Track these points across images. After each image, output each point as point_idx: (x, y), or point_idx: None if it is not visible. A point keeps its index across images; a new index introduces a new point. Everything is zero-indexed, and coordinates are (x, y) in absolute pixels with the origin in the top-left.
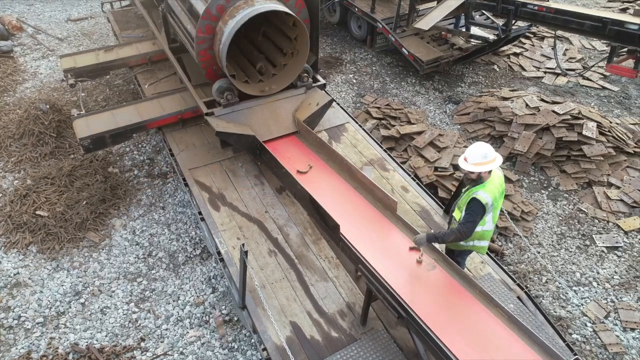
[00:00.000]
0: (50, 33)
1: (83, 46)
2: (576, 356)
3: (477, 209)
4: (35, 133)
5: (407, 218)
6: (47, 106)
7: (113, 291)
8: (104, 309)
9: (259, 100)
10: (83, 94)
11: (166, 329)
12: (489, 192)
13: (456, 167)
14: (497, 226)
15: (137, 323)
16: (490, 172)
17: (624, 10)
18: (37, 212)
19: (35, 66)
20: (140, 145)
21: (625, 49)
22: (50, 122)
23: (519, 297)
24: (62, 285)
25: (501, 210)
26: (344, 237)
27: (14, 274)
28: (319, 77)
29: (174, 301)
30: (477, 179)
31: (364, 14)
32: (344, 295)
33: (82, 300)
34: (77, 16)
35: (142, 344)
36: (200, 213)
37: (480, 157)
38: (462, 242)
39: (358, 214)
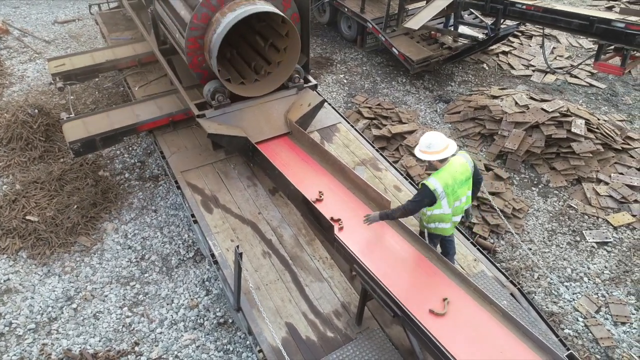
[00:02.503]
0: (37, 35)
1: (71, 49)
2: (570, 351)
3: (423, 193)
4: (24, 137)
5: None
6: (36, 110)
7: (106, 296)
8: (97, 314)
9: (250, 102)
10: (72, 97)
11: (160, 333)
12: (439, 179)
13: None
14: (488, 223)
15: (131, 327)
16: (443, 160)
17: (609, 9)
18: (27, 217)
19: (22, 69)
20: (130, 148)
21: (612, 47)
22: (39, 126)
23: (512, 294)
24: (54, 291)
25: (493, 208)
26: (338, 237)
27: (4, 280)
28: (310, 77)
29: (167, 304)
30: (430, 166)
31: (353, 14)
32: (339, 295)
33: (74, 306)
34: (64, 18)
35: (137, 348)
36: (193, 215)
37: (425, 146)
38: (427, 225)
39: (352, 214)
